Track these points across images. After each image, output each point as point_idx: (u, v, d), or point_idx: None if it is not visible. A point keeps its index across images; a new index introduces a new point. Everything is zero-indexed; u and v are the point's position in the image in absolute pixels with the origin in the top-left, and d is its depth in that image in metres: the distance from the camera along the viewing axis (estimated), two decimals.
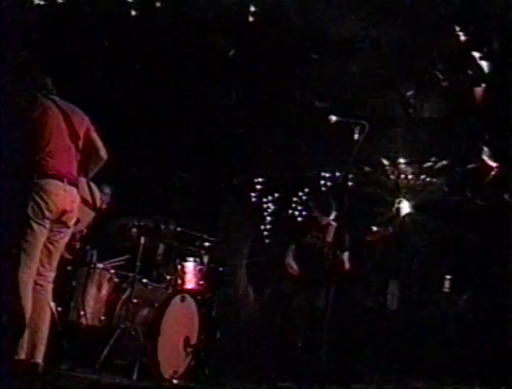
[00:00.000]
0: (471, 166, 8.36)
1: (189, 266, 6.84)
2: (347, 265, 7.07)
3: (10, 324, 4.02)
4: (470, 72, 7.41)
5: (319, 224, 7.27)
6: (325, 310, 6.84)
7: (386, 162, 8.77)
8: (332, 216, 7.31)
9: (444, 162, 8.54)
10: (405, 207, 8.90)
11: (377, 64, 7.51)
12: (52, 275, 4.73)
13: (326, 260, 6.92)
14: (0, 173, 3.75)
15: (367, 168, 8.64)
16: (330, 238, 7.12)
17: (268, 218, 9.17)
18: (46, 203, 4.52)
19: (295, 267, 7.20)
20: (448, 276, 8.94)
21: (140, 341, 6.11)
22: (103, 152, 4.99)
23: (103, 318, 6.28)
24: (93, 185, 5.02)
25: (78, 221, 4.84)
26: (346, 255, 7.09)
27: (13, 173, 3.83)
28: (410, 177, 8.80)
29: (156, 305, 6.34)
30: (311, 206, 7.60)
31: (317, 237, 7.18)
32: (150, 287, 6.63)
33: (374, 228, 7.00)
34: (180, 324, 6.39)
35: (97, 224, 5.63)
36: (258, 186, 9.14)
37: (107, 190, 6.53)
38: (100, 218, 5.38)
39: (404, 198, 8.87)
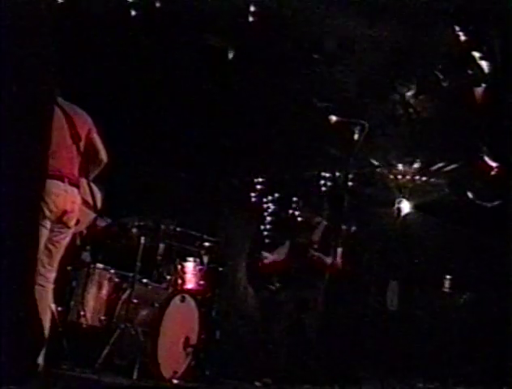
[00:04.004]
0: (471, 166, 8.35)
1: (189, 266, 6.85)
2: (339, 261, 7.08)
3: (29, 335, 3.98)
4: (470, 72, 7.40)
5: (310, 224, 7.29)
6: (311, 310, 6.91)
7: (385, 162, 8.77)
8: (323, 215, 7.35)
9: (444, 162, 8.54)
10: (405, 207, 8.90)
11: (378, 64, 7.50)
12: (52, 275, 4.74)
13: (308, 259, 6.97)
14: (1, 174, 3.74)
15: (367, 169, 8.64)
16: (316, 237, 7.15)
17: (268, 218, 9.16)
18: (47, 203, 4.52)
19: (269, 258, 7.22)
20: (448, 276, 8.94)
21: (140, 341, 6.12)
22: (103, 155, 5.00)
23: (103, 318, 6.29)
24: (94, 187, 5.03)
25: (78, 222, 4.85)
26: (339, 252, 7.10)
27: (15, 173, 3.82)
28: (410, 177, 8.80)
29: (156, 305, 6.34)
30: (301, 207, 7.63)
31: (306, 237, 7.20)
32: (150, 287, 6.63)
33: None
34: (180, 324, 6.40)
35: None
36: (258, 186, 9.14)
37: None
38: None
39: (404, 198, 8.87)
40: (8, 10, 3.76)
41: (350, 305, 8.60)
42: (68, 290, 6.00)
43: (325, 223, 7.27)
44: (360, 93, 7.74)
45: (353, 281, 8.67)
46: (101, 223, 6.34)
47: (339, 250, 7.10)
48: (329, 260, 7.04)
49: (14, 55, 3.78)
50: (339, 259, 7.09)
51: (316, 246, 7.04)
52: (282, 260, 7.23)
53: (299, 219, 7.67)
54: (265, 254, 7.34)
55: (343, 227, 7.28)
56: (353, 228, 7.03)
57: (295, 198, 8.86)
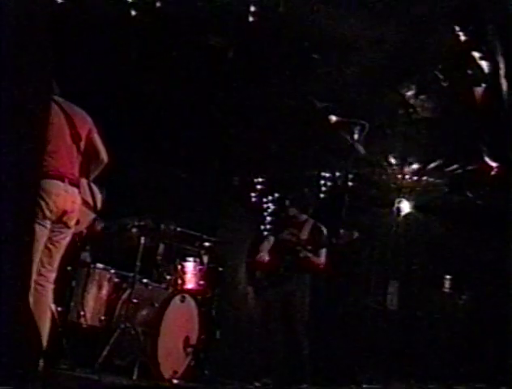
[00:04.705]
0: (471, 166, 8.36)
1: (189, 266, 6.85)
2: (322, 261, 7.06)
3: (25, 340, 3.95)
4: (470, 72, 7.41)
5: (297, 221, 7.28)
6: (297, 307, 6.89)
7: (386, 162, 8.77)
8: (309, 213, 7.34)
9: (444, 162, 8.54)
10: (405, 207, 8.90)
11: (377, 64, 7.50)
12: (52, 275, 4.73)
13: (297, 258, 6.96)
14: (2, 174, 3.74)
15: (367, 169, 8.64)
16: (304, 236, 7.14)
17: (268, 218, 9.17)
18: (47, 203, 4.52)
19: (265, 256, 7.20)
20: (448, 276, 8.95)
21: (140, 341, 6.11)
22: (103, 155, 4.99)
23: (103, 318, 6.29)
24: (94, 187, 5.02)
25: (78, 222, 4.84)
26: (323, 252, 7.09)
27: (16, 173, 3.81)
28: (410, 177, 8.80)
29: (156, 305, 6.34)
30: (287, 205, 7.61)
31: (293, 234, 7.18)
32: (150, 287, 6.63)
33: (341, 232, 6.99)
34: (180, 324, 6.39)
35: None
36: (258, 186, 9.14)
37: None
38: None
39: (404, 198, 8.88)
40: (8, 10, 3.76)
41: (350, 305, 8.61)
42: (68, 290, 5.99)
43: (312, 221, 7.26)
44: (360, 93, 7.74)
45: (353, 281, 8.69)
46: (99, 225, 6.34)
47: (324, 250, 7.09)
48: (317, 259, 7.03)
49: (13, 55, 3.77)
50: (323, 259, 7.08)
51: (309, 247, 7.02)
52: (267, 257, 7.20)
53: (284, 215, 7.65)
54: (261, 253, 7.34)
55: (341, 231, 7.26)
56: (356, 235, 7.00)
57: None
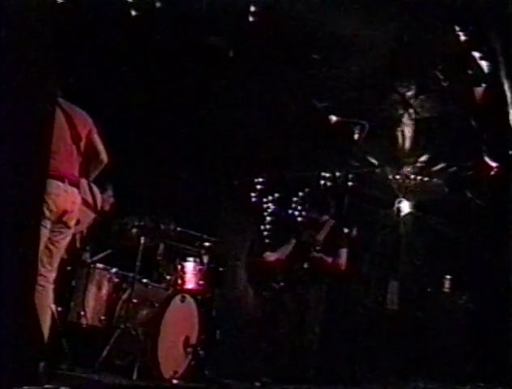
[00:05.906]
0: (471, 166, 8.36)
1: (189, 266, 6.85)
2: (343, 262, 7.05)
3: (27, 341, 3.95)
4: (470, 72, 7.41)
5: (317, 223, 7.27)
6: (311, 309, 6.89)
7: (385, 162, 8.77)
8: (330, 214, 7.34)
9: (444, 162, 8.54)
10: (405, 207, 8.90)
11: (377, 64, 7.50)
12: (52, 275, 4.74)
13: (308, 259, 6.96)
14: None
15: (367, 169, 8.64)
16: (322, 237, 7.13)
17: (268, 218, 9.17)
18: (47, 203, 4.52)
19: (272, 256, 7.20)
20: (448, 276, 8.94)
21: (140, 341, 6.12)
22: (103, 155, 5.00)
23: (103, 318, 6.29)
24: (94, 187, 5.03)
25: (78, 222, 4.85)
26: (343, 252, 7.07)
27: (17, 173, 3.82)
28: (410, 177, 8.80)
29: (156, 305, 6.35)
30: (308, 207, 7.59)
31: (311, 235, 7.18)
32: (150, 287, 6.63)
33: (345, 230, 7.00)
34: (180, 324, 6.40)
35: (100, 226, 5.64)
36: (258, 186, 9.15)
37: (110, 192, 6.55)
38: (102, 220, 5.39)
39: (404, 198, 8.87)
40: (8, 10, 3.76)
41: (350, 305, 8.60)
42: (68, 290, 6.00)
43: (332, 222, 7.25)
44: (360, 93, 7.74)
45: (353, 281, 8.68)
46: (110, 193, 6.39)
47: (344, 250, 7.08)
48: (331, 260, 7.02)
49: (14, 55, 3.78)
50: (343, 260, 7.06)
51: (319, 247, 7.02)
52: (285, 258, 7.22)
53: (306, 217, 7.64)
54: (268, 253, 7.33)
55: (345, 229, 7.27)
56: (354, 233, 7.00)
57: (299, 197, 8.88)
